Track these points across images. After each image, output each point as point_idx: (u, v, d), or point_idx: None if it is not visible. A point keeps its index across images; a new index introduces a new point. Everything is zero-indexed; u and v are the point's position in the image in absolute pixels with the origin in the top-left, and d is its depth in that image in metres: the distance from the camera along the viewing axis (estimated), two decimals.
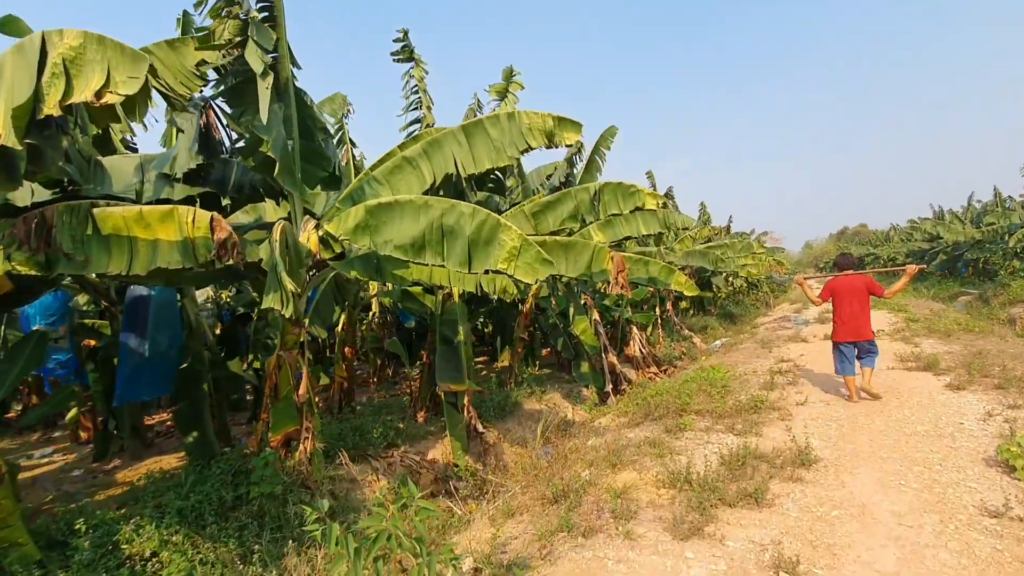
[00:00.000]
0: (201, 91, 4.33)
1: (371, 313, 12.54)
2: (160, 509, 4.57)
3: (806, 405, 6.12)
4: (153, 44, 3.99)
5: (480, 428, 7.92)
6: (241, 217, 6.50)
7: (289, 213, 5.27)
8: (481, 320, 16.27)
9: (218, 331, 10.18)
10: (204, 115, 5.24)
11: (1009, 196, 24.71)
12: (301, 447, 5.72)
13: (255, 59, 3.94)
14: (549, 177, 10.50)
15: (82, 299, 8.59)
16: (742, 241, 20.44)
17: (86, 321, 7.65)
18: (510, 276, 3.74)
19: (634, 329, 14.84)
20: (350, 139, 8.09)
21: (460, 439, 7.66)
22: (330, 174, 5.31)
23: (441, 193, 5.09)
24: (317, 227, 5.02)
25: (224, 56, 4.07)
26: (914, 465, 4.00)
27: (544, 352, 15.31)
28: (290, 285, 3.84)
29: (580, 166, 9.97)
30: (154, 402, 9.35)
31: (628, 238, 10.61)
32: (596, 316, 12.65)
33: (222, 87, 4.56)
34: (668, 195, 16.65)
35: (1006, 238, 22.14)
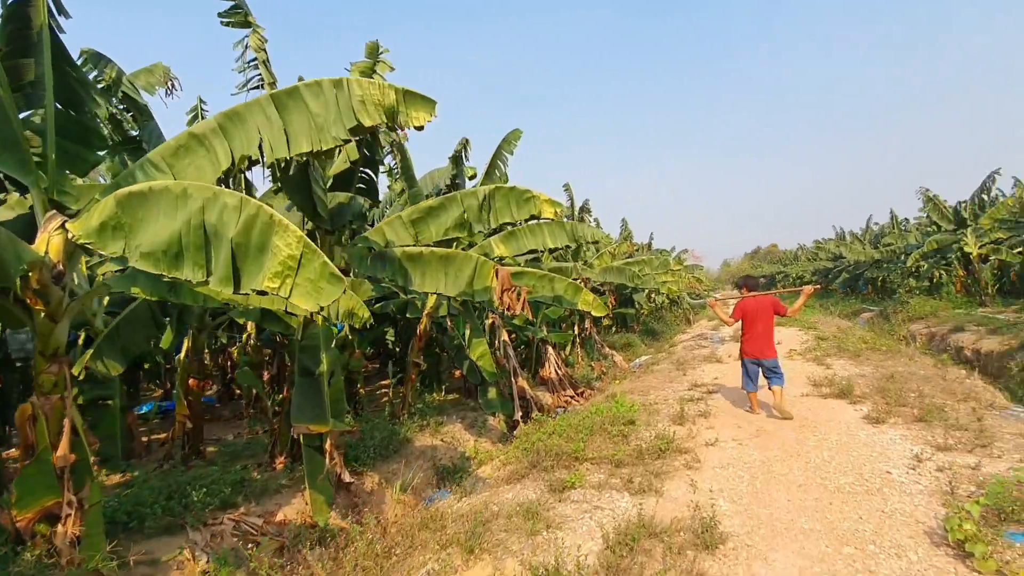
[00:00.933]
0: None
1: (245, 335, 10.78)
2: None
3: (716, 446, 5.25)
4: None
5: (347, 477, 6.51)
6: None
7: (32, 208, 3.77)
8: (393, 339, 14.81)
9: None
10: None
11: (905, 218, 26.37)
12: (61, 528, 4.13)
13: None
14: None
15: None
16: (660, 258, 20.22)
17: None
18: (285, 299, 2.53)
19: (550, 349, 13.91)
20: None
21: (323, 491, 6.19)
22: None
23: (253, 190, 3.76)
24: (64, 227, 3.57)
25: None
26: (843, 545, 3.12)
27: (456, 373, 14.07)
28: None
29: (480, 172, 8.95)
30: None
31: (534, 252, 9.67)
32: (505, 337, 11.58)
33: None
34: (585, 208, 16.01)
35: (903, 258, 23.44)
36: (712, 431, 5.76)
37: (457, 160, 7.56)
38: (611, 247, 16.09)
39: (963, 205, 19.33)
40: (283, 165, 5.37)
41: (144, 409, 10.93)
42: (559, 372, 13.81)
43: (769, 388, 6.22)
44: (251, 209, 2.67)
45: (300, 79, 3.94)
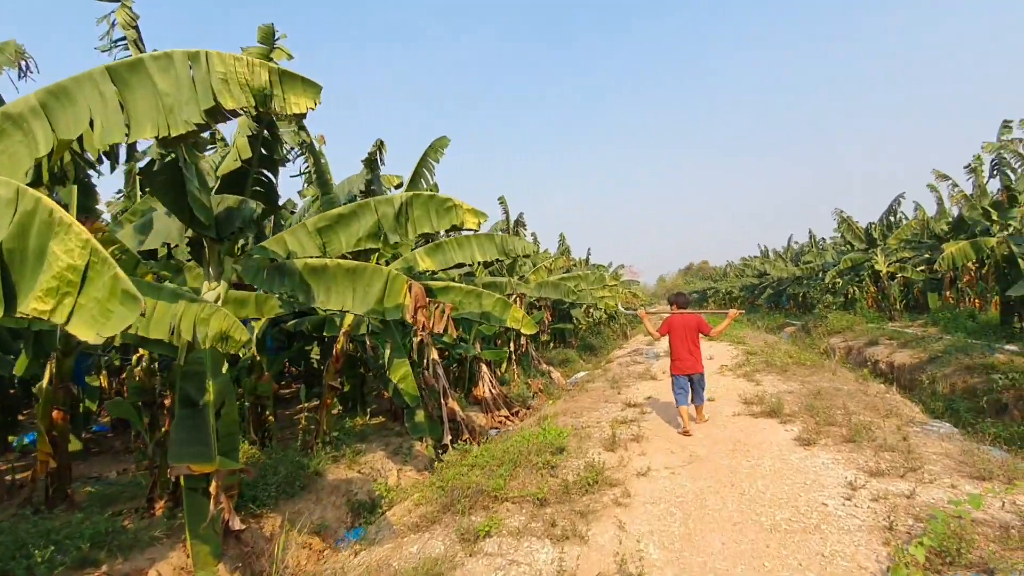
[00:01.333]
0: None
1: (135, 356, 9.51)
2: None
3: (648, 476, 4.87)
4: None
5: (237, 524, 5.63)
6: None
7: None
8: (318, 358, 13.74)
9: None
10: None
11: (823, 238, 27.96)
12: None
13: None
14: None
15: None
16: (596, 273, 20.22)
17: None
18: (61, 325, 1.86)
19: (484, 367, 13.34)
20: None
21: (207, 541, 5.26)
22: None
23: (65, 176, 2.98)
24: None
25: None
26: None
27: (385, 394, 13.21)
28: None
29: (406, 177, 8.33)
30: None
31: (462, 266, 9.13)
32: (435, 355, 10.91)
33: None
34: (520, 222, 15.69)
35: (821, 275, 24.76)
36: (644, 457, 5.38)
37: (372, 163, 6.90)
38: (547, 262, 15.82)
39: (873, 226, 20.62)
40: (151, 161, 4.58)
41: (28, 439, 9.36)
42: (493, 391, 13.26)
43: (691, 403, 6.52)
44: (27, 203, 1.96)
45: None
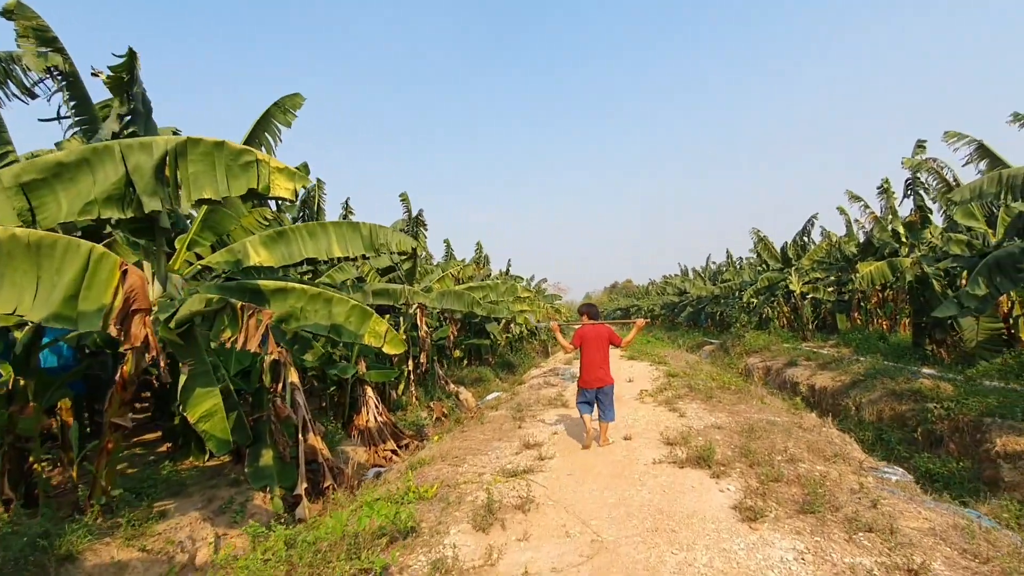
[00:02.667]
0: None
1: None
2: None
3: None
4: None
5: None
6: None
7: None
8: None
9: None
10: None
11: (740, 256, 28.15)
12: None
13: None
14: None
15: None
16: (506, 283, 18.54)
17: None
18: None
19: (368, 391, 11.19)
20: None
21: None
22: None
23: None
24: None
25: None
26: None
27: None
28: None
29: None
30: None
31: (315, 263, 7.11)
32: (294, 378, 8.65)
33: None
34: (420, 221, 13.71)
35: (739, 294, 24.67)
36: (525, 547, 3.59)
37: (121, 85, 4.56)
38: (455, 269, 13.95)
39: (788, 245, 20.58)
40: None
41: None
42: (379, 419, 11.12)
43: (598, 419, 6.32)
44: None
45: None
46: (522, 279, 23.91)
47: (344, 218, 12.93)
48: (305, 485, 7.50)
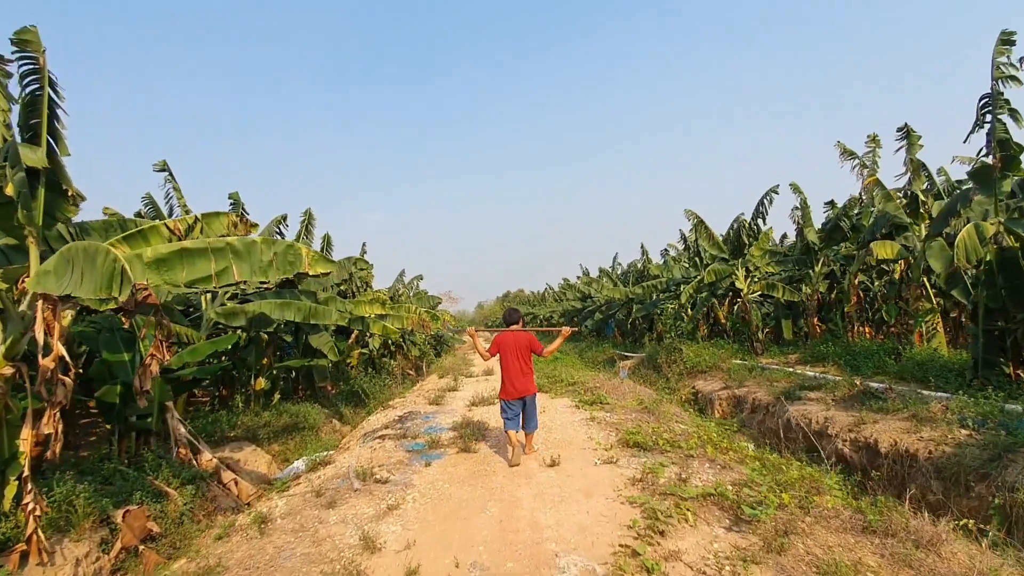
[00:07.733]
0: None
1: None
2: None
3: None
4: None
5: None
6: None
7: None
8: None
9: None
10: None
11: (665, 249, 23.15)
12: None
13: None
14: None
15: None
16: (287, 246, 11.27)
17: None
18: None
19: None
20: None
21: None
22: None
23: None
24: None
25: None
26: None
27: None
28: None
29: None
30: None
31: None
32: None
33: None
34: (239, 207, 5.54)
35: (660, 296, 19.44)
36: None
37: None
38: (177, 223, 6.53)
39: (742, 226, 15.58)
40: None
41: None
42: None
43: (522, 428, 6.02)
44: None
45: None
46: (363, 260, 16.52)
47: None
48: None
